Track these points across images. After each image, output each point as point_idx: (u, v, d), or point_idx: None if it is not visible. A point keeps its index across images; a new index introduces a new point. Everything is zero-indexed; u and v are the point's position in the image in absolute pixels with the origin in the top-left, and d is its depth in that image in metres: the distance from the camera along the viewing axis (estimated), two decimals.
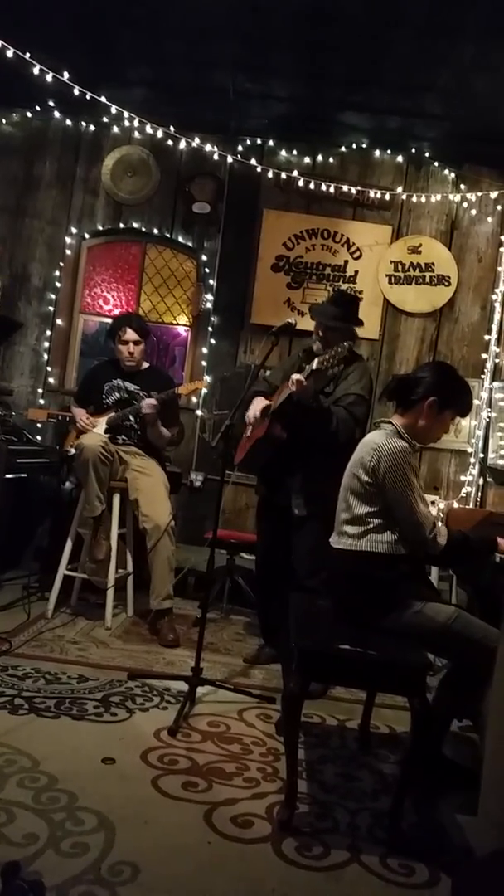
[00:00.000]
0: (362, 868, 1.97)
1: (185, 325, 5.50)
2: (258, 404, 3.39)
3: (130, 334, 3.95)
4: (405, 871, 1.98)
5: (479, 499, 5.07)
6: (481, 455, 5.06)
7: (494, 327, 5.14)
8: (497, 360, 5.12)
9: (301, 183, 5.00)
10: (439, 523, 2.37)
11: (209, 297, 5.25)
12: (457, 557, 2.55)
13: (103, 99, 4.43)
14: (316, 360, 3.06)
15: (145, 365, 4.14)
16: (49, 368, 5.31)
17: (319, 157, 5.20)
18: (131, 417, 3.96)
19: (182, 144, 4.93)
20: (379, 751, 2.71)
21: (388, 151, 5.17)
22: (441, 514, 4.72)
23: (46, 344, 5.32)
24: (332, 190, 5.03)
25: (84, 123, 5.25)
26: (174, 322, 5.52)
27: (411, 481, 2.34)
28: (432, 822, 2.26)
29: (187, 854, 1.92)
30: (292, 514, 3.32)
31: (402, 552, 2.37)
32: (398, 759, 2.62)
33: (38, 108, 5.20)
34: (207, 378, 5.11)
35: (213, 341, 5.25)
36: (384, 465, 2.34)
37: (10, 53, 3.88)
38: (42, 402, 5.27)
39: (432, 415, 2.47)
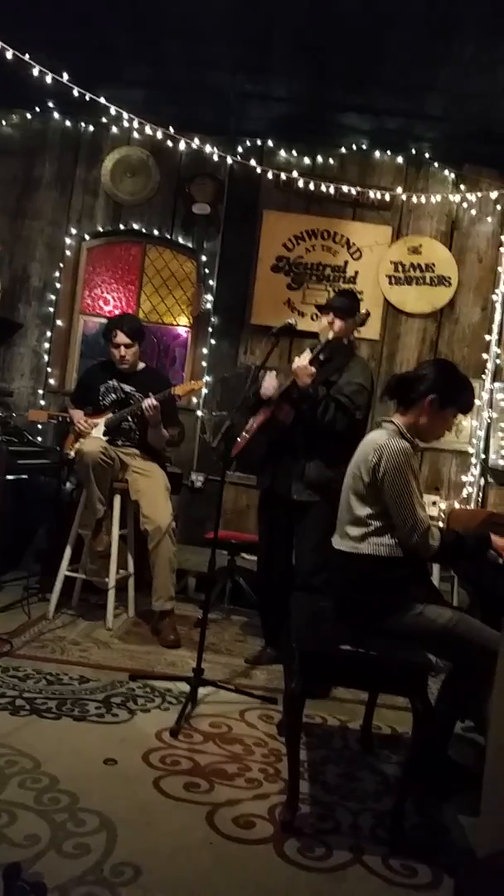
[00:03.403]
0: (364, 869, 1.96)
1: (185, 326, 5.50)
2: (272, 378, 3.47)
3: (121, 337, 3.93)
4: (407, 871, 1.98)
5: (480, 499, 5.07)
6: (482, 455, 5.06)
7: (495, 328, 5.13)
8: (498, 361, 5.12)
9: (301, 184, 5.00)
10: (433, 527, 2.36)
11: (209, 297, 5.25)
12: (451, 558, 2.56)
13: (102, 99, 4.43)
14: (332, 332, 3.35)
15: (141, 366, 4.12)
16: (49, 369, 5.31)
17: (319, 158, 5.20)
18: (129, 419, 3.95)
19: (182, 145, 4.93)
20: (381, 751, 2.70)
21: (388, 152, 5.17)
22: (442, 515, 4.72)
23: (47, 345, 5.32)
24: (331, 190, 5.03)
25: (83, 124, 5.25)
26: (174, 323, 5.52)
27: (410, 483, 2.33)
28: (435, 822, 2.25)
29: (189, 855, 1.92)
30: (293, 503, 3.33)
31: (403, 554, 2.36)
32: (400, 759, 2.61)
33: (37, 108, 5.20)
34: (207, 378, 5.11)
35: (213, 342, 5.25)
36: (385, 465, 2.34)
37: (9, 55, 3.88)
38: (42, 403, 5.27)
39: (433, 412, 2.46)
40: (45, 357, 5.31)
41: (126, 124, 4.87)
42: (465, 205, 5.15)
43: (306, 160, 5.21)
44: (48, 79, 4.11)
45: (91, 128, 5.25)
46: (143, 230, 5.31)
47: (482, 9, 3.53)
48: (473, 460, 5.10)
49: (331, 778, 2.46)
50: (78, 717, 2.64)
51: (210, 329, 5.25)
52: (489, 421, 5.05)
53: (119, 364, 3.99)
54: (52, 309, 5.30)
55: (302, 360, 3.28)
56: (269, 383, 3.44)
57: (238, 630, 4.11)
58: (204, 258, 5.29)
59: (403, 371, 2.72)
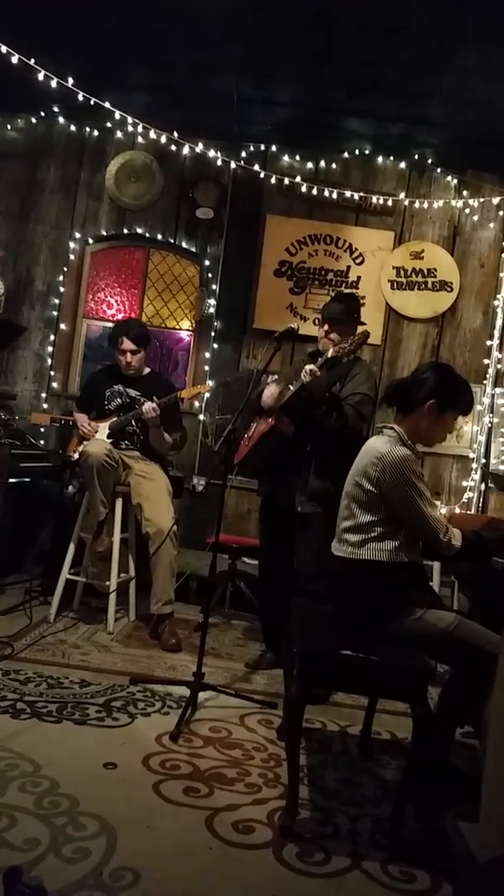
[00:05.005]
0: (363, 875, 1.96)
1: (187, 330, 5.51)
2: (274, 387, 3.39)
3: (127, 344, 3.94)
4: (406, 877, 1.98)
5: (480, 504, 5.07)
6: (483, 460, 5.06)
7: (496, 333, 5.14)
8: (499, 366, 5.12)
9: (304, 188, 5.01)
10: (451, 527, 2.36)
11: (212, 302, 5.27)
12: (471, 558, 2.53)
13: (107, 104, 4.44)
14: (332, 349, 3.16)
15: (147, 371, 4.15)
16: (52, 373, 5.33)
17: (322, 163, 5.22)
18: (133, 422, 3.96)
19: (185, 150, 4.94)
20: (380, 757, 2.71)
21: (391, 157, 5.19)
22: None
23: (50, 348, 5.34)
24: (334, 195, 5.04)
25: (88, 129, 5.28)
26: (177, 327, 5.53)
27: (419, 488, 2.33)
28: (434, 828, 2.25)
29: (188, 859, 1.92)
30: (295, 513, 3.33)
31: (404, 560, 2.36)
32: (400, 765, 2.62)
33: (42, 113, 5.24)
34: (210, 383, 5.12)
35: (215, 346, 5.27)
36: (389, 476, 2.32)
37: (14, 59, 3.90)
38: (45, 406, 5.29)
39: (433, 417, 2.46)
40: (49, 360, 5.33)
41: (130, 129, 4.89)
42: (467, 210, 5.16)
43: (309, 165, 5.23)
44: (53, 83, 4.13)
45: (95, 132, 5.28)
46: (147, 234, 5.34)
47: (485, 16, 3.54)
48: (474, 465, 5.10)
49: (330, 783, 2.46)
50: (78, 721, 2.64)
51: (212, 333, 5.26)
52: (490, 426, 5.06)
53: (125, 370, 4.01)
54: (55, 312, 5.32)
55: (314, 373, 3.11)
56: (270, 392, 3.41)
57: (238, 634, 4.11)
58: (207, 262, 5.31)
59: (403, 376, 2.71)
